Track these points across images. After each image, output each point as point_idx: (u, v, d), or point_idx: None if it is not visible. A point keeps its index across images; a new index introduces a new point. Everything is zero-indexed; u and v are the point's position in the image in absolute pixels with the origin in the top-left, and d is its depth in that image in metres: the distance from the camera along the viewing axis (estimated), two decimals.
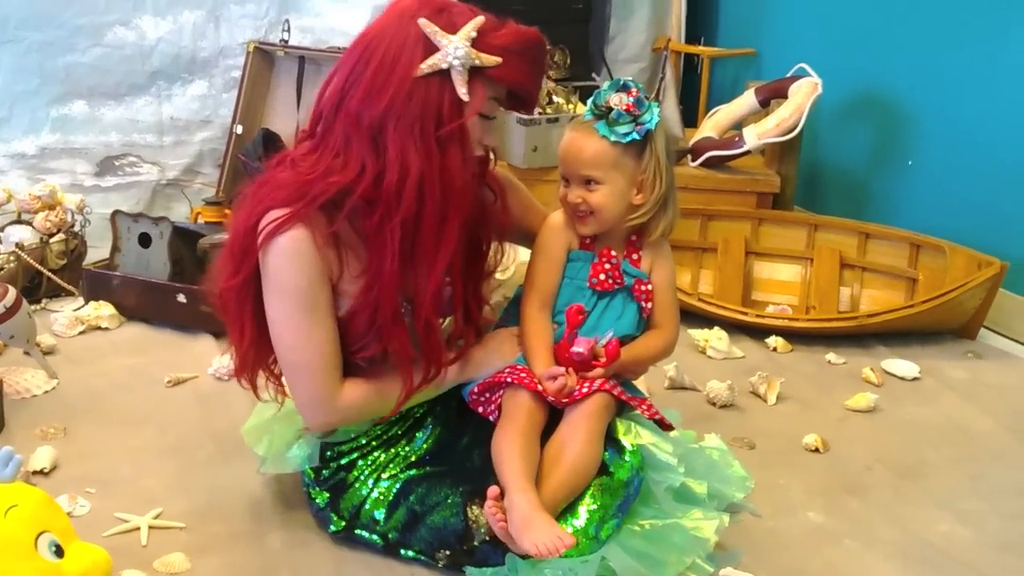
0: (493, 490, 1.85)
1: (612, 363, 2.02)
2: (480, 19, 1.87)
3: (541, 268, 2.13)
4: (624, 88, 2.00)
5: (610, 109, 2.00)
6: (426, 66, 1.84)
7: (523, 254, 2.24)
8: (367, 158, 1.86)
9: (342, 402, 1.98)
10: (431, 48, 1.84)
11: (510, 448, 1.93)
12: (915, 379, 3.05)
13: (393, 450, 2.10)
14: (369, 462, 2.08)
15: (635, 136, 2.01)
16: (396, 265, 1.88)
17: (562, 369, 2.00)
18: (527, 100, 2.00)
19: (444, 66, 1.84)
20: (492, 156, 2.06)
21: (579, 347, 1.99)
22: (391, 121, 1.84)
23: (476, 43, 1.85)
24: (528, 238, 2.23)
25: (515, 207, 2.16)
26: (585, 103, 3.88)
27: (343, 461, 2.09)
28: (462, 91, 1.86)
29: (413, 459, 2.09)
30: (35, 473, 2.36)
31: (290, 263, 1.88)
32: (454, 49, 1.84)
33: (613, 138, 2.00)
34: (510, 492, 1.85)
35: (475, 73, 1.87)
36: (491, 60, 1.87)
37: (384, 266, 1.88)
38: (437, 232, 1.89)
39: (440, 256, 1.91)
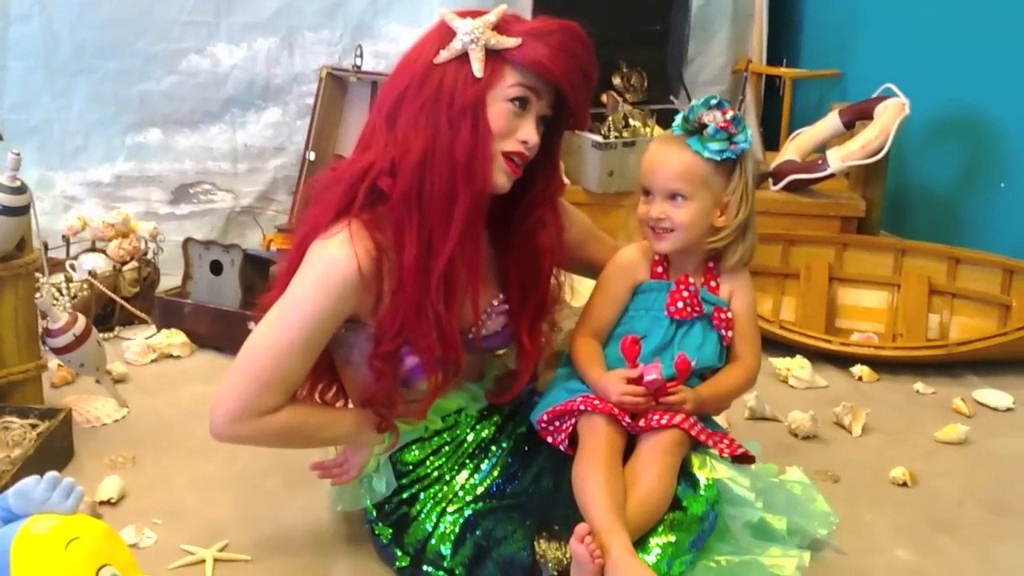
0: (582, 528, 1.75)
1: (685, 377, 1.93)
2: (503, 7, 1.87)
3: (598, 302, 2.09)
4: (719, 106, 1.95)
5: (703, 126, 1.95)
6: (445, 52, 1.83)
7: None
8: (386, 143, 1.85)
9: (260, 424, 1.89)
10: (451, 38, 1.83)
11: (594, 482, 1.84)
12: (1008, 410, 2.94)
13: (456, 482, 2.03)
14: (432, 494, 2.02)
15: (729, 155, 1.96)
16: (413, 251, 1.83)
17: (638, 388, 1.91)
18: (567, 98, 1.89)
19: (459, 47, 1.82)
20: (565, 178, 2.01)
21: (651, 374, 1.90)
22: (406, 104, 1.83)
23: (498, 28, 1.84)
24: (588, 268, 2.19)
25: (571, 236, 2.12)
26: (662, 126, 3.83)
27: (404, 495, 2.04)
28: (476, 67, 1.82)
29: (480, 491, 2.02)
30: (102, 503, 2.34)
31: (319, 281, 1.84)
32: (467, 29, 1.82)
33: (706, 154, 1.95)
34: (601, 534, 1.76)
35: (496, 56, 1.83)
36: (508, 41, 1.83)
37: (404, 255, 1.83)
38: (446, 211, 1.83)
39: (451, 236, 1.83)
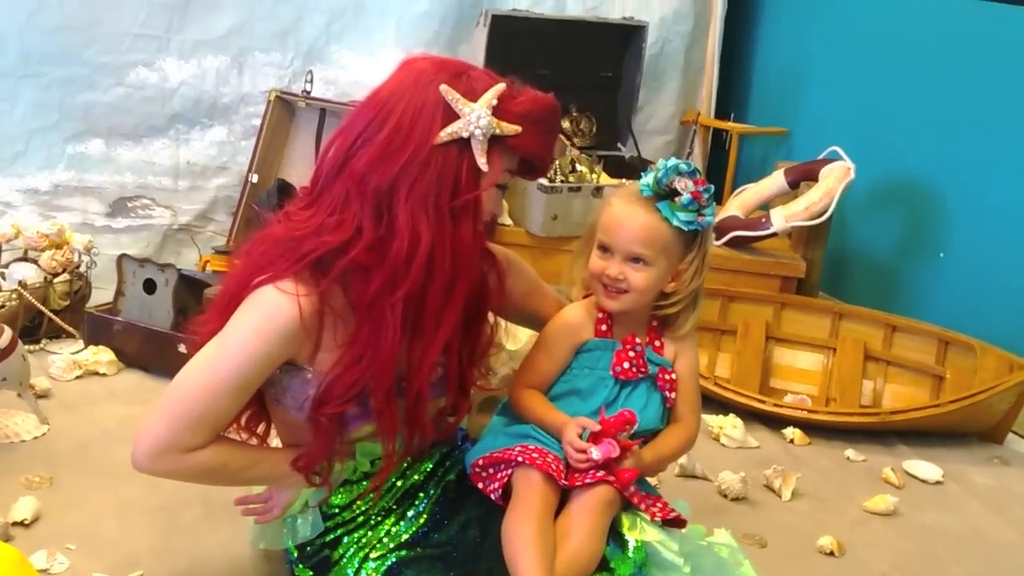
0: None
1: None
2: (501, 86, 1.81)
3: (540, 360, 2.06)
4: (691, 174, 1.92)
5: (674, 191, 1.92)
6: (445, 134, 1.77)
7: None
8: (365, 221, 1.78)
9: (183, 460, 1.83)
10: (450, 115, 1.78)
11: (525, 539, 1.81)
12: (938, 483, 2.94)
13: (382, 527, 1.99)
14: (356, 539, 1.98)
15: (697, 227, 1.94)
16: (396, 340, 1.79)
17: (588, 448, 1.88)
18: (540, 168, 1.94)
19: (464, 134, 1.78)
20: (508, 219, 2.01)
21: (596, 453, 1.88)
22: (403, 187, 1.76)
23: (496, 110, 1.79)
24: (531, 321, 2.18)
25: (516, 288, 2.09)
26: (609, 172, 3.83)
27: (328, 538, 1.99)
28: (482, 161, 1.80)
29: (404, 538, 1.98)
30: (15, 524, 2.28)
31: (259, 326, 1.80)
32: (476, 118, 1.77)
33: (675, 223, 1.92)
34: None
35: (494, 142, 1.81)
36: (511, 129, 1.81)
37: (381, 341, 1.79)
38: (441, 306, 1.81)
39: (441, 331, 1.83)
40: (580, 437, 1.91)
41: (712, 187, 1.96)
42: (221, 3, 3.99)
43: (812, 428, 3.18)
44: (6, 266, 3.37)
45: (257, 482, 2.04)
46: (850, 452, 3.08)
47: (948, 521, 2.73)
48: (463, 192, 1.79)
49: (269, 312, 1.79)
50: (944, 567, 2.50)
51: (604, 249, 1.98)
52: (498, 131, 1.79)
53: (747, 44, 4.97)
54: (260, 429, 2.06)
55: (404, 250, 1.76)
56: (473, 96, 1.79)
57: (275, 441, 2.11)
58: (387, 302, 1.78)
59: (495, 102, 1.79)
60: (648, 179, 1.95)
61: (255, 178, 3.83)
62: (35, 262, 3.39)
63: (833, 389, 3.43)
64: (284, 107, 3.90)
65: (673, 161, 1.93)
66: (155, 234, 4.08)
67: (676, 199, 1.92)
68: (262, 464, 1.96)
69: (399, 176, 1.76)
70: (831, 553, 2.49)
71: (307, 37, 4.11)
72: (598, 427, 1.90)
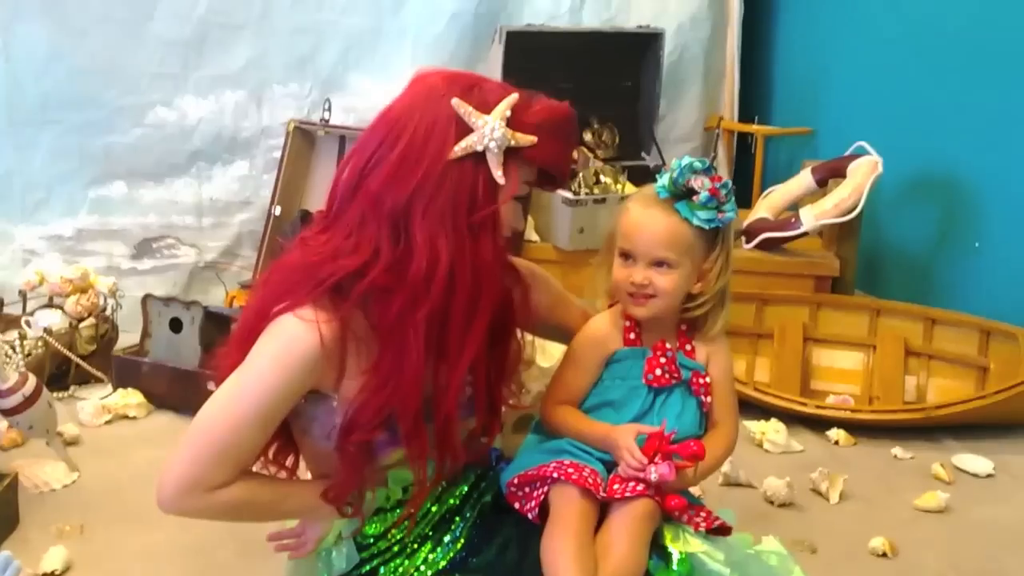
0: None
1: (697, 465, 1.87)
2: (514, 96, 1.76)
3: (570, 375, 2.00)
4: (706, 171, 1.87)
5: (691, 191, 1.87)
6: (460, 149, 1.72)
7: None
8: (383, 242, 1.73)
9: (209, 498, 1.77)
10: (464, 129, 1.73)
11: (565, 556, 1.75)
12: (989, 476, 2.89)
13: (419, 555, 1.94)
14: (392, 568, 1.93)
15: (718, 224, 1.89)
16: (420, 362, 1.74)
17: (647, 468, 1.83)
18: (559, 178, 1.89)
19: (479, 148, 1.73)
20: (535, 235, 1.96)
21: (654, 475, 1.82)
22: (418, 206, 1.71)
23: (510, 122, 1.74)
24: (558, 333, 2.12)
25: (541, 302, 2.04)
26: (634, 182, 3.79)
27: (364, 569, 1.94)
28: (498, 174, 1.74)
29: (442, 565, 1.92)
30: None
31: (279, 355, 1.75)
32: (490, 130, 1.72)
33: (695, 222, 1.87)
34: None
35: (510, 154, 1.75)
36: (527, 140, 1.75)
37: (405, 363, 1.74)
38: (465, 325, 1.76)
39: (466, 350, 1.77)
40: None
41: (729, 182, 1.90)
42: (237, 37, 4.01)
43: (856, 428, 3.12)
44: (31, 314, 3.36)
45: (288, 516, 2.00)
46: (897, 450, 3.02)
47: (1002, 515, 2.67)
48: (481, 207, 1.74)
49: (289, 341, 1.74)
50: (1002, 562, 2.43)
51: (626, 256, 1.93)
52: (513, 142, 1.75)
53: (767, 46, 4.94)
54: (288, 462, 2.01)
55: (423, 269, 1.71)
56: (486, 108, 1.74)
57: (305, 474, 2.06)
58: (409, 323, 1.73)
59: (509, 113, 1.75)
60: (664, 180, 1.90)
61: (278, 210, 3.82)
62: (60, 308, 3.38)
63: (875, 387, 3.37)
64: (303, 137, 3.89)
65: (687, 160, 1.88)
66: (181, 273, 4.08)
67: (694, 198, 1.87)
68: (292, 498, 1.91)
69: (414, 194, 1.72)
70: (884, 554, 2.44)
71: (324, 66, 4.11)
72: (654, 429, 1.85)
